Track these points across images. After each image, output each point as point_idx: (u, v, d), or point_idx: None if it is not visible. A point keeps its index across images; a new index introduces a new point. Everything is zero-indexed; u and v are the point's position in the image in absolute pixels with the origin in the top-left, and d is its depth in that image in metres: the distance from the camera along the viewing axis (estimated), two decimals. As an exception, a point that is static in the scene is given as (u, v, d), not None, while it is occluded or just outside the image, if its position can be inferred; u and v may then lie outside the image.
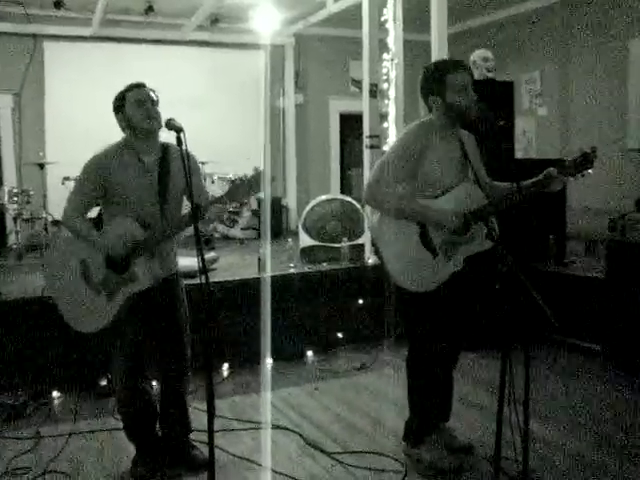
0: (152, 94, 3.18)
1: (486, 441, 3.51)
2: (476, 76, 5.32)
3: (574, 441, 3.64)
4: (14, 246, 7.15)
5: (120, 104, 3.17)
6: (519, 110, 8.14)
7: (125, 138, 3.23)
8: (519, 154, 8.25)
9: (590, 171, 3.02)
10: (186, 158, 2.64)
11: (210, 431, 2.42)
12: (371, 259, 5.93)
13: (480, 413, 4.08)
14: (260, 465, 3.44)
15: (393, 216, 3.17)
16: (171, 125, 2.86)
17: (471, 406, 4.19)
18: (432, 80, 3.19)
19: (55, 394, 4.50)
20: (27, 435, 3.87)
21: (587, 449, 3.54)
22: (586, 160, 3.01)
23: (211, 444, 2.43)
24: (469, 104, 3.12)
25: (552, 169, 3.04)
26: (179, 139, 2.74)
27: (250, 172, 2.96)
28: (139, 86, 3.19)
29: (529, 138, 8.83)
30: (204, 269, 2.44)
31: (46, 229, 7.09)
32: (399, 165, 3.15)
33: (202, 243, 2.55)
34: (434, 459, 3.35)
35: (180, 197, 3.30)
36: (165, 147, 3.24)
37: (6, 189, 7.11)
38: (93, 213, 3.24)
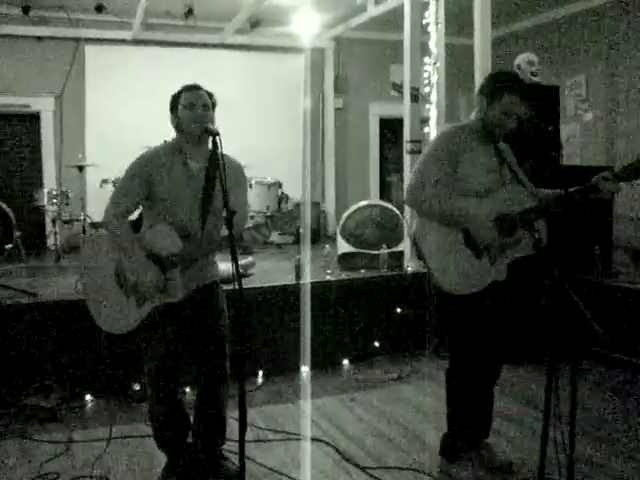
0: (206, 98, 3.06)
1: (528, 460, 3.39)
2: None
3: (620, 463, 3.47)
4: (52, 247, 7.20)
5: (174, 104, 3.09)
6: (564, 116, 7.94)
7: (175, 139, 3.15)
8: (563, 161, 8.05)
9: None
10: (221, 159, 2.59)
11: (241, 442, 2.33)
12: (410, 267, 5.81)
13: (522, 430, 3.93)
14: (292, 478, 3.35)
15: (435, 220, 3.10)
16: (207, 129, 2.81)
17: (513, 422, 4.04)
18: (492, 85, 3.13)
19: (88, 398, 4.48)
20: (59, 439, 3.85)
21: (634, 472, 3.37)
22: None
23: (242, 456, 2.35)
24: (502, 130, 3.11)
25: (606, 172, 2.89)
26: (215, 143, 2.68)
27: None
28: (194, 88, 3.07)
29: (573, 145, 8.61)
30: (238, 276, 2.35)
31: (84, 231, 7.14)
32: (436, 167, 3.08)
33: (237, 249, 2.47)
34: (472, 477, 3.24)
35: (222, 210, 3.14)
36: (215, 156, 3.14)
37: (46, 191, 7.18)
38: (134, 216, 3.16)
